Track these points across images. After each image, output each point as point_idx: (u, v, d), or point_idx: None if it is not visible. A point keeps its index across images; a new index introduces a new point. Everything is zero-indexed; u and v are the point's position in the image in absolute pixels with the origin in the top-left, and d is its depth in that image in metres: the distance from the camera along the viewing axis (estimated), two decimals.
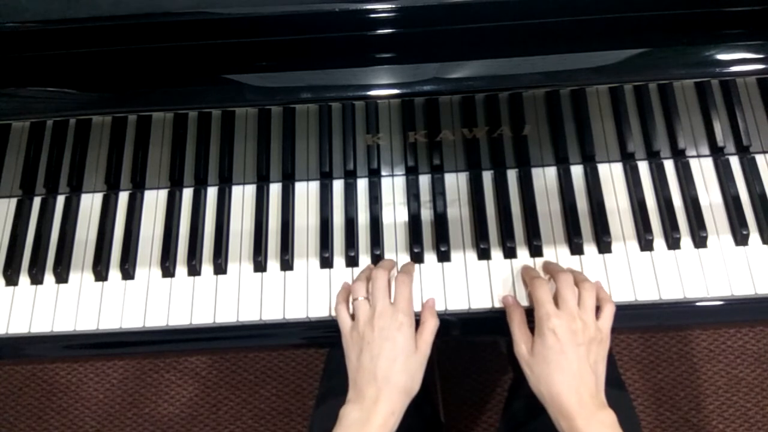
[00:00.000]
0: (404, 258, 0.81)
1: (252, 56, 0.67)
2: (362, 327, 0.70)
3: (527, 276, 0.76)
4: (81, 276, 0.82)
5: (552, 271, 0.74)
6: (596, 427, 0.63)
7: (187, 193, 0.85)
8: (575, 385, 0.65)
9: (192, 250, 0.81)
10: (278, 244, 0.82)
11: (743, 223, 0.79)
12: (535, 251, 0.79)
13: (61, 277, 0.81)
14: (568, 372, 0.65)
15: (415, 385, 0.69)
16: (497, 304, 0.77)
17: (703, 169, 0.83)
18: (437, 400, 1.25)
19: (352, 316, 0.72)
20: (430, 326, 0.72)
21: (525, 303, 0.75)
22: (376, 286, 0.72)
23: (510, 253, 0.79)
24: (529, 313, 0.72)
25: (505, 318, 0.73)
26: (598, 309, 0.70)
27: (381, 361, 0.67)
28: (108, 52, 0.67)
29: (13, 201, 0.86)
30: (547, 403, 0.66)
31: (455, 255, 0.80)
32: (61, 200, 0.86)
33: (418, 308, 0.75)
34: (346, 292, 0.75)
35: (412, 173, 0.84)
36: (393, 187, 0.84)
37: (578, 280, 0.71)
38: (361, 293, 0.72)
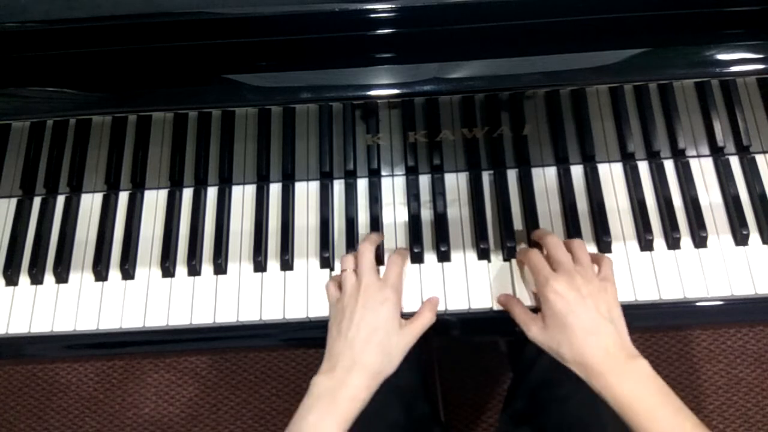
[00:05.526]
0: None
1: (252, 56, 0.67)
2: (347, 299, 0.69)
3: (520, 255, 0.75)
4: (81, 276, 0.82)
5: (539, 236, 0.74)
6: (631, 380, 0.60)
7: (187, 193, 0.85)
8: (596, 339, 0.62)
9: (192, 250, 0.81)
10: (278, 244, 0.82)
11: (743, 223, 0.79)
12: None
13: (61, 277, 0.81)
14: (583, 328, 0.63)
15: (390, 366, 0.66)
16: (497, 305, 0.77)
17: (703, 169, 0.83)
18: (437, 400, 1.25)
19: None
20: (424, 319, 0.71)
21: (528, 303, 0.75)
22: (362, 260, 0.71)
23: (510, 253, 0.79)
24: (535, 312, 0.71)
25: (506, 318, 0.73)
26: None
27: (360, 331, 0.65)
28: (108, 52, 0.67)
29: (13, 201, 0.86)
30: (576, 367, 0.63)
31: (455, 255, 0.80)
32: (61, 200, 0.86)
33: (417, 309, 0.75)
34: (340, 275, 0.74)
35: (412, 173, 0.84)
36: (393, 187, 0.84)
37: (566, 241, 0.71)
38: (349, 265, 0.72)
